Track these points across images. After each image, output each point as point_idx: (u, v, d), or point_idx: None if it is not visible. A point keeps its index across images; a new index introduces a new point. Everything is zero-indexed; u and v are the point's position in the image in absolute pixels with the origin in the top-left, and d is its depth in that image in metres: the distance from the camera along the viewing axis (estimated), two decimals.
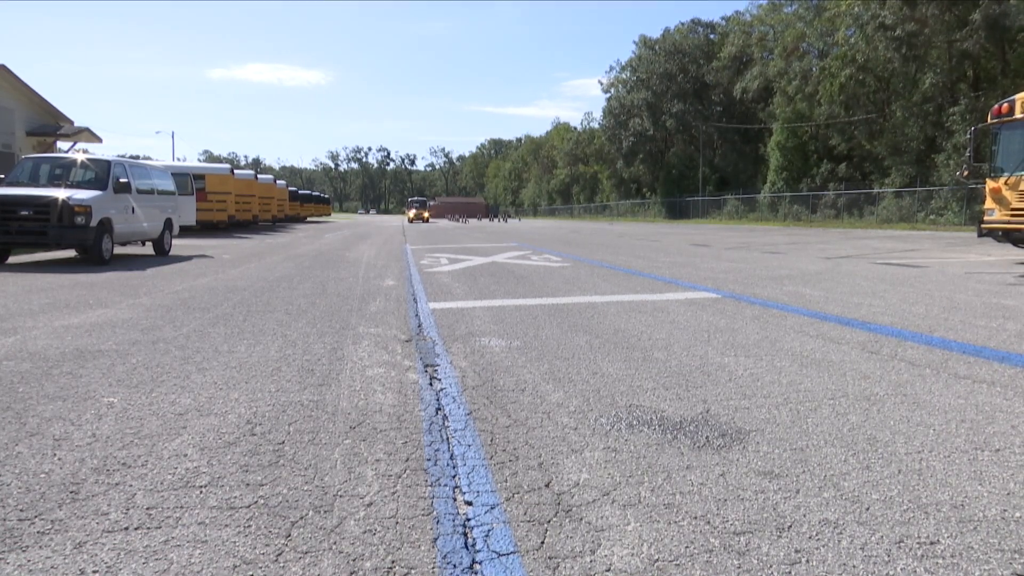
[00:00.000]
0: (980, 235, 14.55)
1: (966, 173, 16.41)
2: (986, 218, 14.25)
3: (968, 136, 15.32)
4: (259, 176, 41.50)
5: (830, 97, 48.40)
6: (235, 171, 35.83)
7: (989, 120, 14.36)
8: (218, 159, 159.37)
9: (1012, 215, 13.49)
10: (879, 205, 44.12)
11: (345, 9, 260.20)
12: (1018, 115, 13.56)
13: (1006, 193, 13.62)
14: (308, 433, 3.49)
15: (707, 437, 3.40)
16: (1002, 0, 33.82)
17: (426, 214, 67.78)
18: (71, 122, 28.57)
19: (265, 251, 18.71)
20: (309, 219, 67.78)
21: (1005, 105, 13.89)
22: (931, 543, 2.34)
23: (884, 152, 45.19)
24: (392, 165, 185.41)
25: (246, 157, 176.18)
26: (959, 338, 5.88)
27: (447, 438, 3.42)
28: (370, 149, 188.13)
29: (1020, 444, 3.27)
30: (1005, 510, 2.58)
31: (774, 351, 5.43)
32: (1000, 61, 38.12)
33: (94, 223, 13.06)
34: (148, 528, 2.46)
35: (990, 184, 14.14)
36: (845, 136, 49.64)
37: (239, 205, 34.10)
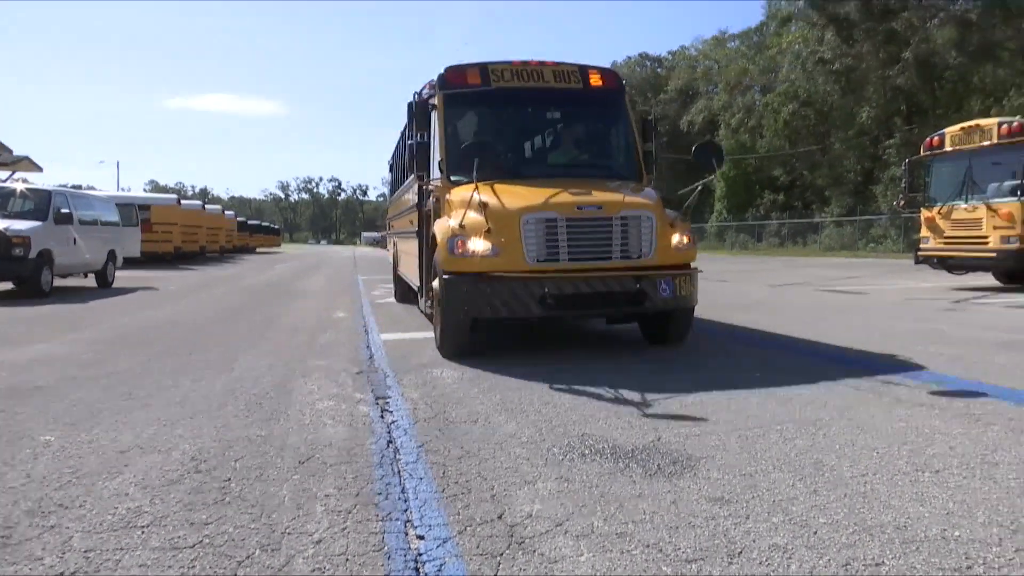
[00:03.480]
0: (917, 262, 15.13)
1: (902, 203, 17.09)
2: (922, 246, 14.82)
3: (903, 168, 15.99)
4: (207, 206, 40.83)
5: (773, 130, 49.88)
6: (182, 201, 35.21)
7: (922, 152, 15.00)
8: (164, 189, 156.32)
9: (946, 243, 14.06)
10: (822, 234, 45.38)
11: (307, 41, 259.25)
12: (948, 148, 14.21)
13: (939, 222, 14.19)
14: (255, 469, 3.40)
15: (658, 465, 3.42)
16: (930, 40, 35.48)
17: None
18: (10, 151, 27.72)
19: (212, 283, 18.35)
20: (258, 250, 66.58)
21: (936, 139, 14.54)
22: (876, 564, 2.38)
23: (825, 183, 46.63)
24: (344, 195, 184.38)
25: (193, 187, 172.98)
26: (899, 363, 6.06)
27: (398, 471, 3.38)
28: (321, 179, 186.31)
29: (958, 465, 3.37)
30: (945, 529, 2.65)
31: (711, 380, 5.51)
32: (930, 96, 39.84)
33: (33, 255, 12.64)
34: (86, 572, 2.36)
35: (925, 213, 14.72)
36: (787, 168, 51.12)
37: (186, 236, 33.41)
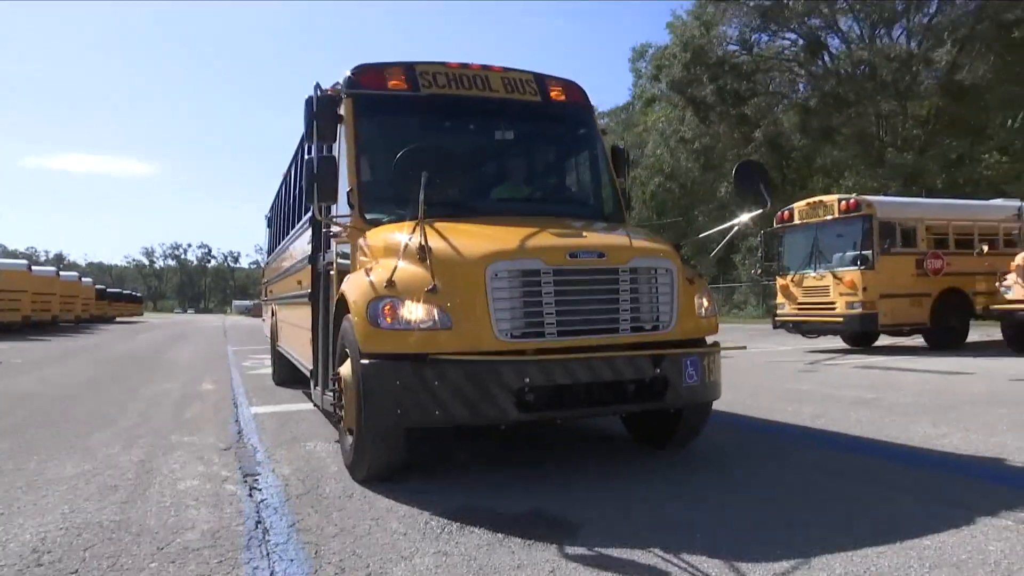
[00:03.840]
0: (775, 327, 16.21)
1: (759, 271, 18.37)
2: (778, 312, 15.90)
3: (759, 239, 17.25)
4: (62, 273, 38.26)
5: (641, 201, 52.55)
6: (33, 267, 32.85)
7: (775, 225, 16.23)
8: (14, 254, 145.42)
9: (799, 309, 15.16)
10: None
11: (180, 101, 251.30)
12: (797, 221, 15.48)
13: (793, 289, 15.31)
14: (107, 558, 3.13)
15: (538, 534, 3.41)
16: (777, 123, 38.85)
17: None
18: None
19: (66, 354, 17.02)
20: (119, 319, 62.65)
21: (787, 212, 15.81)
22: None
23: (690, 252, 49.36)
24: (214, 262, 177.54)
25: (47, 252, 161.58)
26: (764, 422, 6.40)
27: (267, 553, 3.20)
28: (189, 245, 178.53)
29: (819, 519, 3.54)
30: None
31: (593, 445, 5.60)
32: (780, 174, 43.37)
33: None
34: None
35: (780, 281, 15.85)
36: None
37: (37, 304, 31.03)
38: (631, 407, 4.53)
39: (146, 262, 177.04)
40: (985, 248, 13.63)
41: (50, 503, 4.02)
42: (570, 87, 5.86)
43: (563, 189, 6.12)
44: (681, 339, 4.46)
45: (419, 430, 4.27)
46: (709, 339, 4.80)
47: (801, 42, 37.17)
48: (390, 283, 4.05)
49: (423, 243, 4.03)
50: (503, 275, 4.04)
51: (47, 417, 7.14)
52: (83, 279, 45.68)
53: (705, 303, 4.71)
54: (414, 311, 3.99)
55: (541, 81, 5.72)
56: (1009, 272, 12.62)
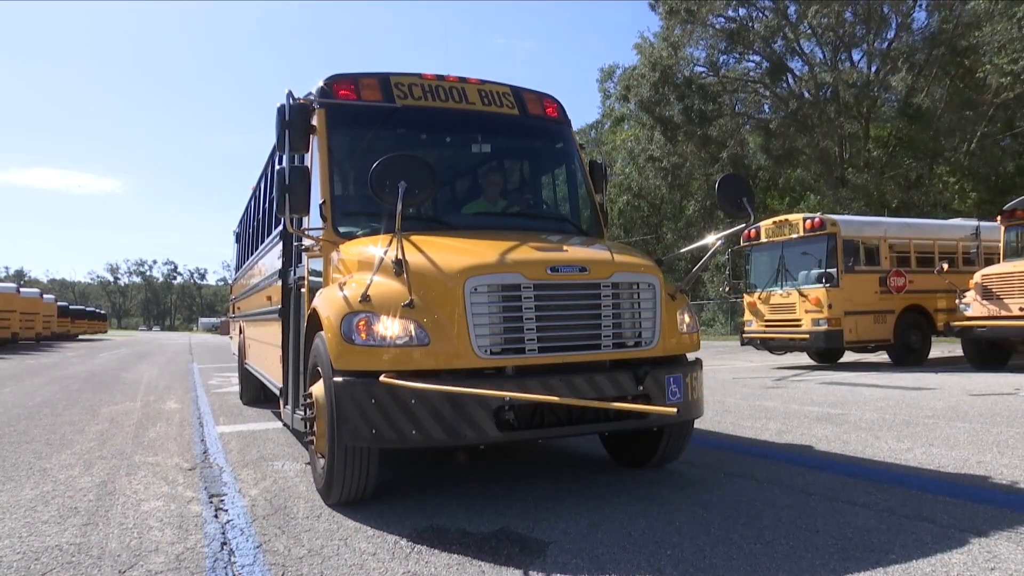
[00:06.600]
0: (743, 344, 16.42)
1: (727, 289, 18.61)
2: (746, 329, 16.10)
3: (727, 257, 17.51)
4: (22, 289, 37.51)
5: (611, 220, 53.03)
6: None
7: (742, 243, 16.48)
8: None
9: (766, 326, 15.36)
10: None
11: (150, 117, 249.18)
12: (763, 240, 15.72)
13: (760, 307, 15.53)
14: None
15: (508, 553, 3.40)
16: (743, 144, 39.53)
17: None
18: None
19: (25, 373, 16.62)
20: (82, 337, 61.46)
21: (753, 231, 16.05)
22: None
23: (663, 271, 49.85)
24: (180, 279, 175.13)
25: (7, 269, 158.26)
26: (731, 438, 6.45)
27: (233, 575, 3.15)
28: (155, 262, 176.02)
29: (785, 536, 3.59)
30: None
31: (561, 462, 5.61)
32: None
33: None
34: None
35: (747, 299, 16.05)
36: None
37: None
38: (613, 426, 4.32)
39: (110, 279, 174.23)
40: (945, 266, 13.95)
41: (7, 527, 3.92)
42: (548, 101, 5.85)
43: (541, 203, 6.05)
44: (662, 356, 4.43)
45: (393, 450, 4.18)
46: (691, 356, 4.77)
47: (765, 64, 37.91)
48: (365, 298, 3.95)
49: (399, 257, 3.94)
50: (482, 290, 3.94)
51: (5, 437, 6.96)
52: (45, 296, 44.81)
53: (687, 319, 4.67)
54: (390, 327, 3.89)
55: (518, 94, 5.68)
56: (968, 290, 12.91)
